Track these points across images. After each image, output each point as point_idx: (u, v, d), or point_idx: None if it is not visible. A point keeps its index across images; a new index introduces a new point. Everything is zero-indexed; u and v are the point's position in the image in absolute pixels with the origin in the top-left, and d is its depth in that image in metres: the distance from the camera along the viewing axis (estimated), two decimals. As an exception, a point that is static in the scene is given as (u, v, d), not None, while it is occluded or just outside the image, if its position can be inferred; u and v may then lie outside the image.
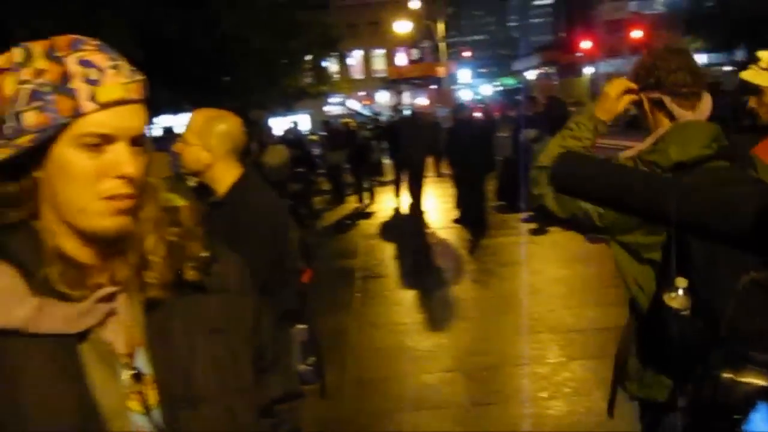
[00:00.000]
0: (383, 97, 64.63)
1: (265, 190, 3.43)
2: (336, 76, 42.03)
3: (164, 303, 1.40)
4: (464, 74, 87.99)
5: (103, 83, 1.27)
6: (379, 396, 6.12)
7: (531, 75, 76.57)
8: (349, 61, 58.96)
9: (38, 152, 1.27)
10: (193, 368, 1.40)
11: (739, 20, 40.59)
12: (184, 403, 1.38)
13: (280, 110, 34.67)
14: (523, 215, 13.70)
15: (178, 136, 3.62)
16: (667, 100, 2.64)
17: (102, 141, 1.27)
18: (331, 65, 40.11)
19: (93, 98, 1.26)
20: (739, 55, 47.47)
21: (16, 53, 1.29)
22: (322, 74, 35.79)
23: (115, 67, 1.29)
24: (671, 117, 2.63)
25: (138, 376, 1.36)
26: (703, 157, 2.48)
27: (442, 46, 42.13)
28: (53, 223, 1.32)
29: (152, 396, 1.36)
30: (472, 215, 13.03)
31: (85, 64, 1.27)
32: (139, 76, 1.34)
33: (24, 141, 1.26)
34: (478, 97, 61.52)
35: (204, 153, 3.20)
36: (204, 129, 3.22)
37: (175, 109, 25.31)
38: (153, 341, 1.38)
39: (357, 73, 63.34)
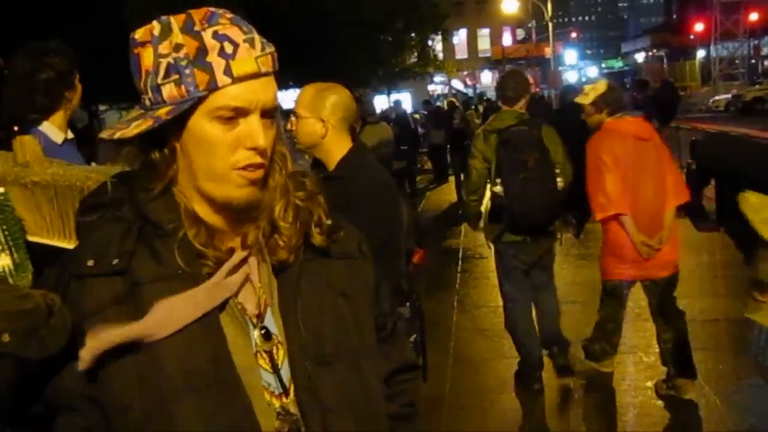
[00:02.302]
0: (487, 78, 64.21)
1: (375, 165, 3.43)
2: (440, 55, 41.84)
3: (293, 266, 1.43)
4: (570, 55, 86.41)
5: (238, 57, 1.29)
6: (479, 376, 6.11)
7: (640, 57, 74.68)
8: (453, 40, 58.64)
9: (175, 123, 1.31)
10: (322, 328, 1.43)
11: None
12: (314, 362, 1.40)
13: (383, 88, 34.83)
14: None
15: (287, 112, 3.66)
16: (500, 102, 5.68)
17: (236, 114, 1.30)
18: (436, 44, 39.93)
19: (228, 72, 1.28)
20: None
21: (156, 27, 1.33)
22: (426, 53, 35.77)
23: (248, 41, 1.31)
24: None
25: (267, 336, 1.39)
26: (511, 125, 5.35)
27: (550, 26, 41.41)
28: (188, 189, 1.36)
29: (280, 355, 1.40)
30: (576, 198, 12.80)
31: (220, 38, 1.29)
32: (270, 49, 1.36)
33: (162, 113, 1.30)
34: (584, 79, 60.41)
35: (318, 124, 3.22)
36: (316, 101, 3.25)
37: (281, 86, 25.70)
38: (282, 302, 1.42)
39: (461, 53, 62.98)
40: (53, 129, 3.11)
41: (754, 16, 52.05)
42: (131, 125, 1.32)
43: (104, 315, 1.28)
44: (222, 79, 1.28)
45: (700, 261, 9.06)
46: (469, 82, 63.21)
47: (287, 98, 21.21)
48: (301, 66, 18.17)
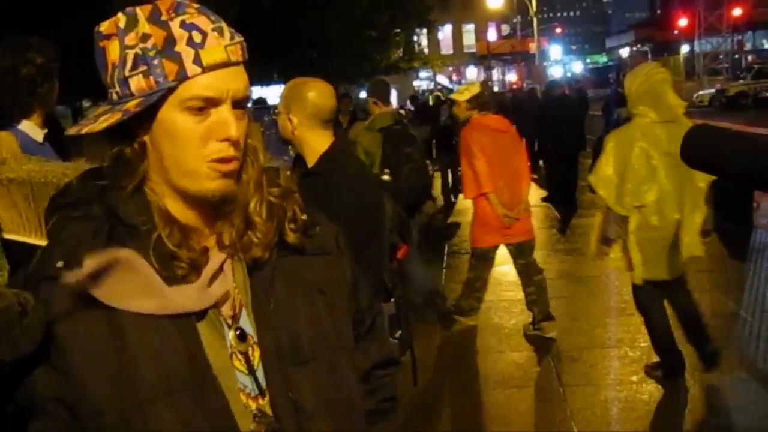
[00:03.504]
0: (472, 73, 64.25)
1: (355, 161, 3.40)
2: (425, 51, 41.81)
3: (267, 264, 1.40)
4: (555, 51, 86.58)
5: (207, 46, 1.26)
6: (465, 372, 6.10)
7: (624, 52, 74.88)
8: (438, 35, 58.61)
9: (144, 116, 1.28)
10: (297, 328, 1.41)
11: None
12: (289, 362, 1.38)
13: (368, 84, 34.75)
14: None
15: (272, 107, 3.65)
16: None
17: (206, 104, 1.27)
18: (421, 39, 39.91)
19: (198, 61, 1.25)
20: None
21: (121, 18, 1.30)
22: (411, 48, 35.74)
23: (217, 30, 1.29)
24: None
25: (242, 336, 1.36)
26: (390, 124, 5.94)
27: (535, 21, 41.44)
28: (160, 185, 1.33)
29: (256, 356, 1.37)
30: (561, 194, 12.83)
31: (188, 27, 1.26)
32: (240, 38, 1.33)
33: (131, 106, 1.26)
34: (569, 74, 60.49)
35: (287, 120, 3.21)
36: (287, 96, 3.25)
37: (267, 81, 25.62)
38: (256, 302, 1.39)
39: (446, 48, 62.99)
40: (33, 127, 3.05)
41: (737, 12, 52.24)
42: (99, 120, 1.28)
43: (76, 318, 1.25)
44: (191, 68, 1.25)
45: (685, 255, 9.07)
46: (454, 78, 63.26)
47: (272, 93, 21.14)
48: (285, 61, 18.11)
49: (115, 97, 1.31)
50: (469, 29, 67.35)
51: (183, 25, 1.26)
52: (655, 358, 5.74)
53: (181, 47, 1.25)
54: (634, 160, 5.04)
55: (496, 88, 35.28)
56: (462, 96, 6.68)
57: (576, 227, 11.27)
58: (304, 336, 1.41)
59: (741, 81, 41.15)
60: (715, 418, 5.05)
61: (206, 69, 1.26)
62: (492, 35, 64.16)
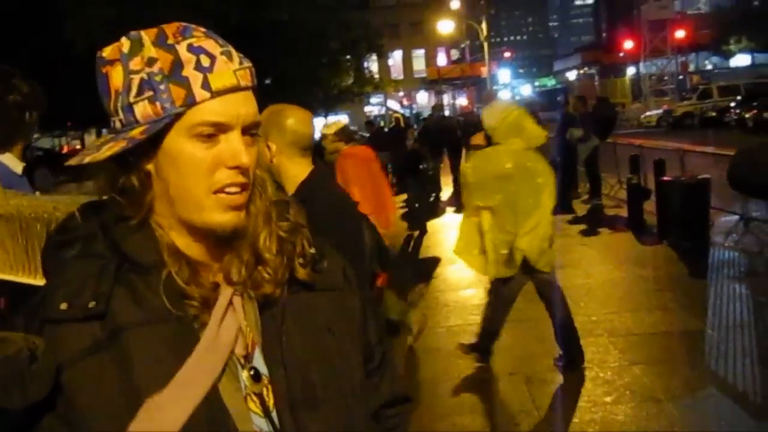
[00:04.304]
0: (423, 98, 64.63)
1: (335, 189, 3.35)
2: (376, 77, 42.00)
3: (277, 302, 1.34)
4: (504, 74, 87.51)
5: (216, 70, 1.21)
6: (435, 397, 6.04)
7: (571, 75, 76.00)
8: (389, 61, 58.93)
9: (149, 145, 1.22)
10: (309, 369, 1.34)
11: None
12: (303, 405, 1.31)
13: (321, 111, 34.81)
14: (569, 216, 13.57)
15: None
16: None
17: (216, 130, 1.21)
18: (372, 65, 40.09)
19: (206, 86, 1.20)
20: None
21: (125, 43, 1.24)
22: (362, 74, 35.89)
23: (225, 54, 1.24)
24: None
25: (256, 377, 1.29)
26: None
27: (486, 46, 41.85)
28: (166, 218, 1.27)
29: (271, 397, 1.30)
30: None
31: (196, 50, 1.21)
32: (248, 63, 1.28)
33: (136, 133, 1.20)
34: (518, 97, 61.13)
35: (265, 147, 3.14)
36: (266, 123, 3.16)
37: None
38: (268, 341, 1.32)
39: (397, 74, 63.34)
40: (13, 159, 2.93)
41: (680, 34, 53.36)
42: (102, 149, 1.21)
43: (84, 364, 1.17)
44: (200, 93, 1.19)
45: (645, 274, 9.17)
46: (405, 102, 63.53)
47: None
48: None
49: (118, 125, 1.24)
50: (419, 54, 67.82)
51: (190, 48, 1.21)
52: (626, 378, 5.77)
53: (189, 71, 1.19)
54: (495, 173, 5.81)
55: (447, 112, 35.31)
56: (330, 130, 7.29)
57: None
58: (316, 378, 1.34)
59: (687, 102, 41.96)
60: (688, 436, 5.05)
61: (215, 94, 1.20)
62: (442, 60, 64.69)
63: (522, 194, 5.80)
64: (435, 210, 15.18)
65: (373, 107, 58.63)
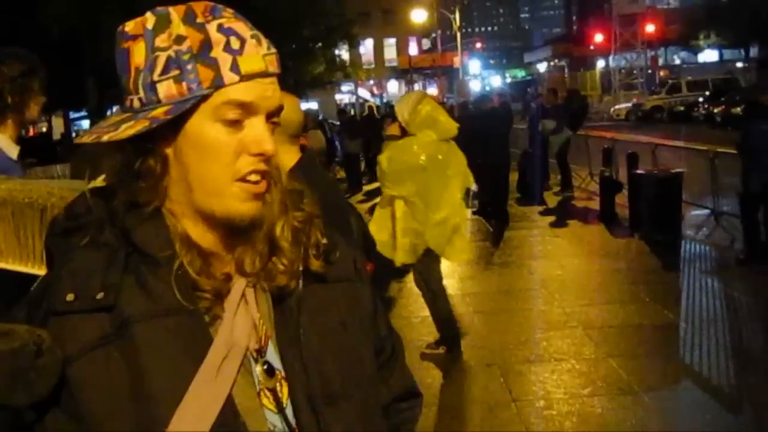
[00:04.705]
0: (393, 87, 64.57)
1: (322, 178, 3.30)
2: (347, 65, 41.88)
3: (292, 294, 1.28)
4: (474, 65, 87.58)
5: (246, 53, 1.15)
6: (412, 389, 6.00)
7: (542, 67, 76.25)
8: (360, 49, 58.73)
9: (169, 127, 1.16)
10: (325, 363, 1.29)
11: (755, 17, 40.44)
12: (323, 401, 1.26)
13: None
14: (541, 208, 13.63)
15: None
16: None
17: (242, 115, 1.16)
18: (343, 53, 39.93)
19: (236, 69, 1.14)
20: (754, 51, 47.44)
21: (150, 18, 1.18)
22: (334, 62, 35.74)
23: (255, 37, 1.18)
24: None
25: (270, 372, 1.24)
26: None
27: (458, 36, 41.88)
28: (179, 204, 1.20)
29: (284, 393, 1.25)
30: (493, 207, 12.89)
31: (226, 31, 1.15)
32: (274, 49, 1.22)
33: (159, 113, 1.14)
34: (488, 88, 61.29)
35: None
36: None
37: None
38: (282, 335, 1.27)
39: (368, 62, 63.16)
40: (7, 141, 2.84)
41: (650, 28, 53.68)
42: (121, 127, 1.15)
43: (92, 358, 1.12)
44: (228, 75, 1.14)
45: (618, 267, 9.23)
46: (376, 91, 63.39)
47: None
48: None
49: (137, 103, 1.18)
50: (390, 43, 67.66)
51: (220, 29, 1.15)
52: (603, 370, 5.79)
53: (218, 53, 1.14)
54: (409, 164, 5.89)
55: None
56: None
57: (509, 240, 11.34)
58: (333, 372, 1.29)
59: (656, 96, 42.30)
60: (664, 427, 5.06)
61: (244, 78, 1.15)
62: (413, 49, 64.61)
63: (433, 186, 5.95)
64: None
65: (344, 95, 58.46)
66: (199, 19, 1.16)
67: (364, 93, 57.51)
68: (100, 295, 1.13)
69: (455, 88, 45.41)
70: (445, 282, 8.99)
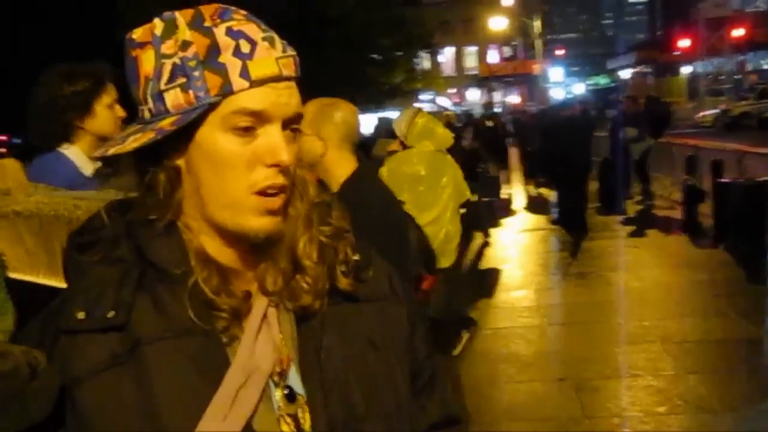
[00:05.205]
0: (474, 95, 64.27)
1: (381, 187, 3.22)
2: (427, 73, 41.90)
3: (316, 314, 1.21)
4: (556, 73, 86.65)
5: (256, 57, 1.09)
6: (482, 403, 5.88)
7: (625, 74, 74.89)
8: (440, 58, 58.71)
9: (180, 137, 1.10)
10: (351, 388, 1.20)
11: None
12: (344, 428, 1.18)
13: (371, 108, 34.82)
14: (621, 217, 13.29)
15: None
16: None
17: (254, 123, 1.09)
18: (423, 62, 39.96)
19: (245, 74, 1.08)
20: None
21: (158, 24, 1.12)
22: (413, 71, 35.81)
23: (267, 39, 1.11)
24: None
25: (291, 397, 1.17)
26: None
27: (538, 43, 41.50)
28: (195, 219, 1.15)
29: (307, 419, 1.17)
30: (571, 217, 12.64)
31: (235, 35, 1.09)
32: (292, 51, 1.16)
33: (165, 124, 1.09)
34: (570, 96, 60.48)
35: (318, 142, 3.01)
36: (317, 117, 3.05)
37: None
38: (305, 358, 1.19)
39: (448, 71, 63.10)
40: (81, 157, 2.77)
41: (738, 32, 52.19)
42: (128, 140, 1.11)
43: (101, 380, 1.06)
44: (238, 82, 1.07)
45: (700, 279, 8.89)
46: (455, 100, 63.22)
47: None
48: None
49: (147, 114, 1.13)
50: (470, 51, 67.50)
51: (229, 32, 1.09)
52: (681, 387, 5.57)
53: (227, 58, 1.08)
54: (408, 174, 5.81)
55: (498, 110, 34.92)
56: None
57: (587, 250, 11.08)
58: (358, 397, 1.21)
59: (744, 102, 41.06)
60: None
61: (254, 83, 1.08)
62: (494, 57, 64.27)
63: (426, 194, 5.93)
64: (495, 215, 14.51)
65: (423, 104, 58.49)
66: (207, 23, 1.10)
67: (444, 102, 57.38)
68: (111, 314, 1.09)
69: (535, 96, 44.98)
70: (520, 293, 8.89)
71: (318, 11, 19.56)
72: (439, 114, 33.94)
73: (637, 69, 71.92)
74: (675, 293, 8.46)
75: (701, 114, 42.80)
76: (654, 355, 6.39)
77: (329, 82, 22.79)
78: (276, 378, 1.17)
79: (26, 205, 1.57)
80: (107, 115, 2.88)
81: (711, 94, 51.46)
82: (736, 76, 53.73)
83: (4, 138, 24.86)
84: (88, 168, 2.79)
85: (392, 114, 39.30)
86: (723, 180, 10.89)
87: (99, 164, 2.77)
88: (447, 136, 5.92)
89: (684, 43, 56.83)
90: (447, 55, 64.93)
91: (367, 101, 30.32)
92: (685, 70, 61.13)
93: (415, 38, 32.61)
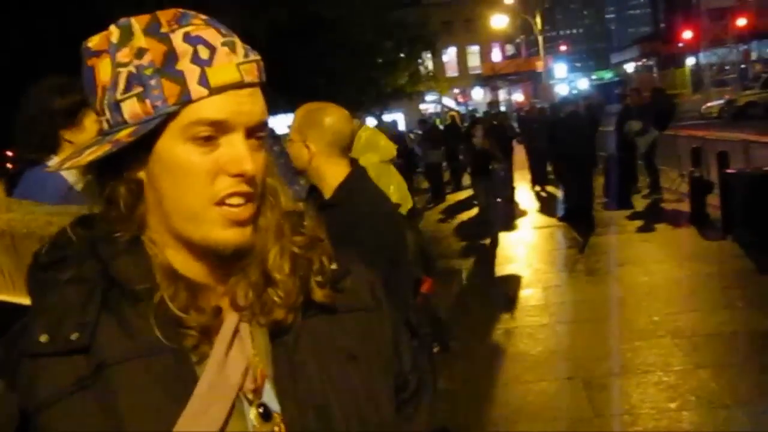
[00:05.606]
0: (478, 94, 64.20)
1: (375, 191, 3.17)
2: (431, 74, 41.82)
3: (291, 328, 1.16)
4: (560, 69, 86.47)
5: (216, 63, 1.04)
6: (493, 403, 5.83)
7: (629, 67, 74.79)
8: (443, 58, 58.63)
9: (140, 148, 1.05)
10: (329, 404, 1.15)
11: None
12: None
13: (376, 109, 34.80)
14: (628, 212, 13.20)
15: (281, 137, 3.41)
16: None
17: (215, 132, 1.04)
18: (426, 63, 39.90)
19: (204, 81, 1.03)
20: None
21: (114, 32, 1.07)
22: (417, 72, 35.76)
23: (227, 44, 1.06)
24: None
25: (266, 415, 1.11)
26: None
27: (540, 40, 41.41)
28: (160, 233, 1.10)
29: None
30: (578, 213, 12.57)
31: (193, 40, 1.04)
32: (255, 56, 1.10)
33: (123, 135, 1.04)
34: (575, 91, 60.31)
35: (303, 149, 2.97)
36: (303, 122, 3.00)
37: (274, 111, 25.54)
38: (279, 374, 1.14)
39: (452, 71, 63.05)
40: (74, 172, 2.78)
41: (741, 22, 51.94)
42: (84, 153, 1.06)
43: (65, 405, 1.02)
44: (196, 90, 1.02)
45: (710, 272, 8.79)
46: (460, 100, 63.15)
47: (279, 123, 21.08)
48: (292, 89, 17.96)
49: (105, 126, 1.09)
50: (473, 51, 67.41)
51: (187, 38, 1.04)
52: (692, 382, 5.50)
53: (184, 65, 1.03)
54: None
55: (503, 108, 34.74)
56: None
57: (595, 246, 11.01)
58: (338, 415, 1.15)
59: (750, 91, 40.83)
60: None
61: (214, 91, 1.03)
62: (497, 56, 64.25)
63: None
64: (507, 216, 13.96)
65: (428, 105, 58.40)
66: (164, 29, 1.05)
67: (448, 102, 57.32)
68: (74, 336, 1.04)
69: (539, 93, 44.88)
70: (528, 291, 8.83)
71: (316, 13, 19.52)
72: (444, 114, 33.91)
73: (641, 62, 71.82)
74: (684, 287, 8.36)
75: (707, 105, 42.59)
76: (664, 350, 6.32)
77: (332, 85, 22.79)
78: (250, 396, 1.12)
79: (-2, 223, 1.53)
80: (96, 129, 2.84)
81: (716, 85, 51.29)
82: (740, 66, 53.46)
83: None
84: (80, 183, 2.75)
85: (397, 116, 39.29)
86: (730, 171, 10.79)
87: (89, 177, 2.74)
88: (390, 148, 6.01)
89: (687, 34, 56.65)
90: (450, 54, 64.86)
91: (371, 103, 30.30)
92: (689, 61, 60.91)
93: (418, 39, 32.59)
